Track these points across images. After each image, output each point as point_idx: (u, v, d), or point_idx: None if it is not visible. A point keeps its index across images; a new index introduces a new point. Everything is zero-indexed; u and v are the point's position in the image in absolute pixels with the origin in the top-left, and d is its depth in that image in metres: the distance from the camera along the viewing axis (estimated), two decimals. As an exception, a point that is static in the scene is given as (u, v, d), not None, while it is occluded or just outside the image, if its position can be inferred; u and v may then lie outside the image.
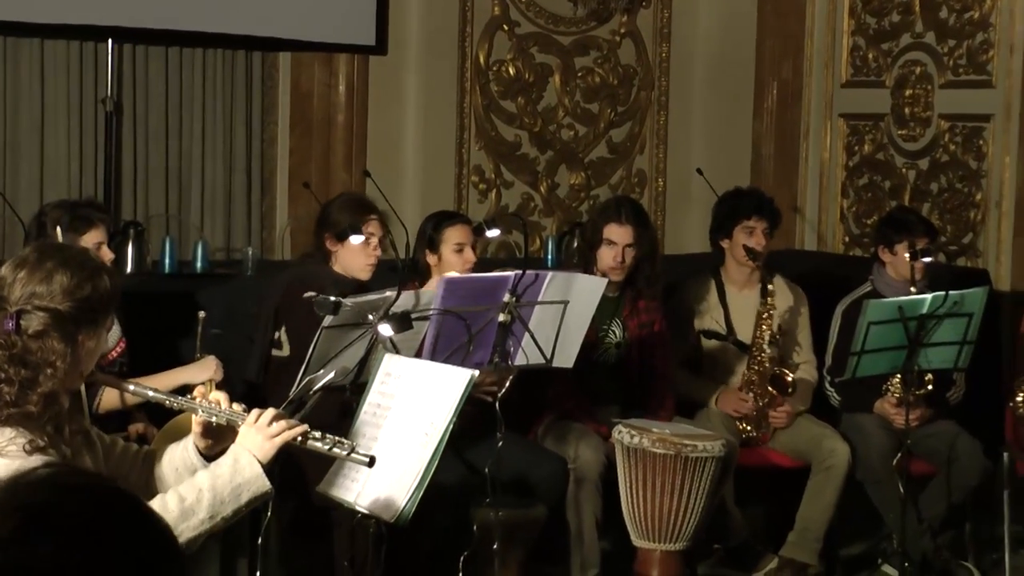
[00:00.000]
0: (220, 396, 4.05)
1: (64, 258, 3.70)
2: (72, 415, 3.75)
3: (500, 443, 6.01)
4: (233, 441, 3.81)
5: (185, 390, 5.85)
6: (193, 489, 3.64)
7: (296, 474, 5.31)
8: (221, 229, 9.51)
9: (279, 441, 3.73)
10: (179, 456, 3.93)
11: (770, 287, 7.25)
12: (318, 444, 3.84)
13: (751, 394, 7.21)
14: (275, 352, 6.32)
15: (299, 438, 3.81)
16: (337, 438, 3.89)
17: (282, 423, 3.77)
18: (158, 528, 1.88)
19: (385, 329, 5.41)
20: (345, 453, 3.87)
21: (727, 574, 7.17)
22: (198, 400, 3.97)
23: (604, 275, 6.99)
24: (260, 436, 3.72)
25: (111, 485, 1.95)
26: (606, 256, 7.04)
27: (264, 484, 3.73)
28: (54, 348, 3.57)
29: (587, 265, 7.11)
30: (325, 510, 4.91)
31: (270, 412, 3.80)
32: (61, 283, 3.61)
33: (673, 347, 7.33)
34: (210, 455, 3.85)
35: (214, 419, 3.87)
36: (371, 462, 4.04)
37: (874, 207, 9.94)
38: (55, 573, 1.75)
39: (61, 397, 3.63)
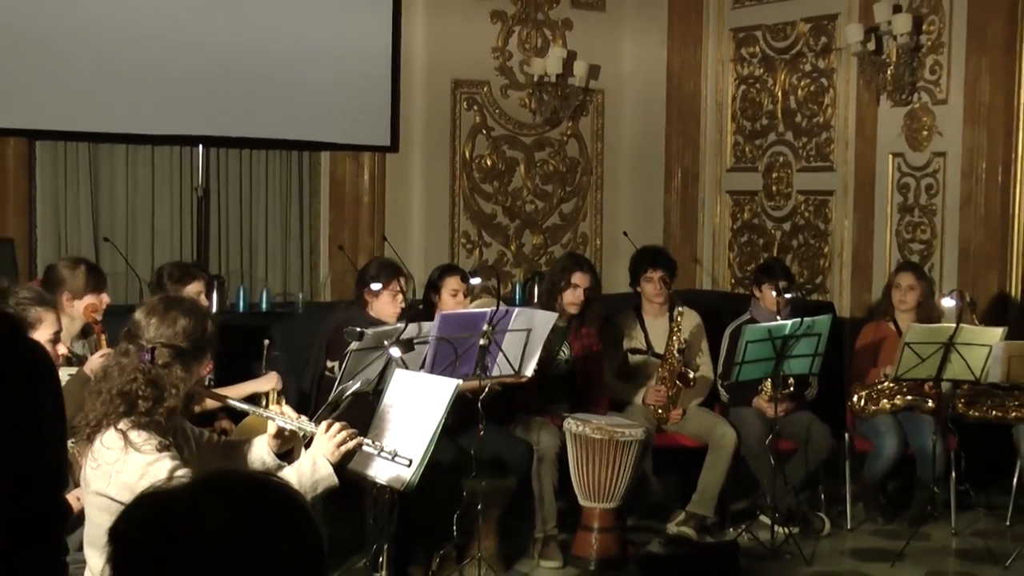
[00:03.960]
0: (289, 409, 4.10)
1: (184, 308, 3.76)
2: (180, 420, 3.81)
3: (482, 432, 6.05)
4: (296, 443, 3.84)
5: (255, 397, 5.94)
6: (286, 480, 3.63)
7: None
8: (280, 279, 9.50)
9: (344, 449, 3.74)
10: (256, 452, 3.94)
11: (679, 312, 7.27)
12: (370, 450, 3.89)
13: (663, 387, 7.22)
14: (328, 373, 6.23)
15: (358, 444, 3.83)
16: (382, 445, 3.93)
17: (344, 434, 3.78)
18: (312, 518, 1.76)
19: (395, 351, 5.37)
20: (390, 457, 3.91)
21: (648, 524, 7.12)
22: (275, 411, 4.01)
23: (565, 310, 7.08)
24: (331, 444, 3.72)
25: (274, 479, 1.87)
26: (570, 295, 7.07)
27: (334, 480, 3.74)
28: (178, 375, 3.63)
29: (550, 302, 7.17)
30: (355, 482, 4.97)
31: (337, 426, 3.80)
32: (183, 327, 3.67)
33: (607, 361, 7.37)
34: (279, 453, 3.87)
35: (287, 426, 3.89)
36: (409, 463, 4.10)
37: (751, 258, 9.96)
38: (228, 541, 1.64)
39: (178, 410, 3.68)
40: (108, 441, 3.53)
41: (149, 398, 3.57)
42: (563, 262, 7.43)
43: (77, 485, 3.87)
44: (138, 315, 3.75)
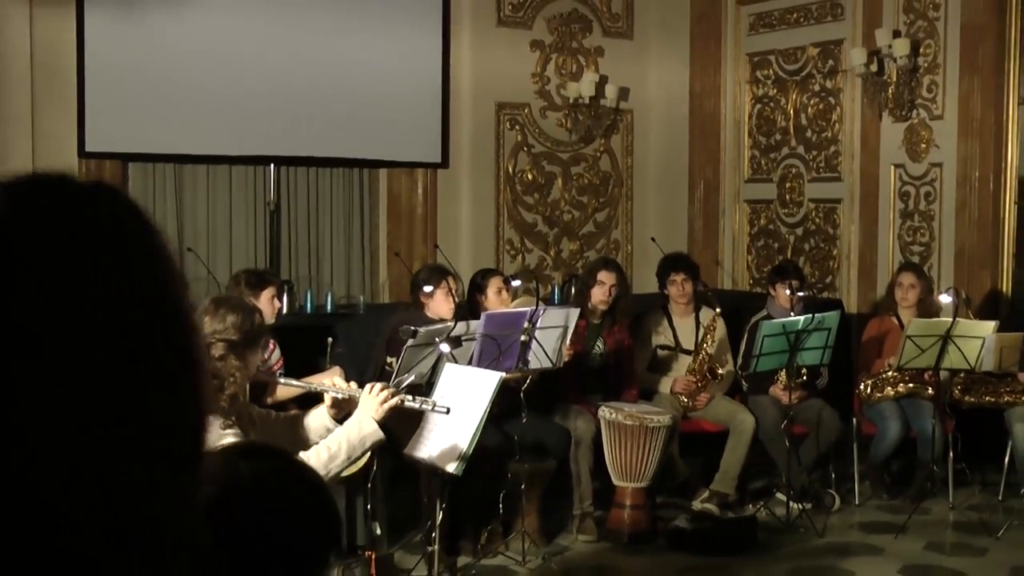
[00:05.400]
0: (340, 380, 4.13)
1: (231, 305, 3.80)
2: (245, 405, 3.84)
3: (524, 419, 6.12)
4: (350, 409, 3.84)
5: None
6: (335, 441, 3.66)
7: (392, 442, 5.34)
8: (343, 284, 9.52)
9: (387, 405, 3.73)
10: (315, 422, 3.95)
11: (713, 316, 7.28)
12: (413, 404, 3.88)
13: (693, 378, 7.21)
14: (387, 368, 6.16)
15: (399, 401, 3.83)
16: (423, 398, 3.94)
17: (386, 392, 3.78)
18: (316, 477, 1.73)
19: (445, 347, 5.44)
20: (430, 408, 3.92)
21: (675, 502, 7.10)
22: (328, 384, 4.03)
23: (596, 307, 7.09)
24: (375, 402, 3.72)
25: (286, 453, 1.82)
26: (597, 293, 7.09)
27: (379, 434, 3.74)
28: (233, 364, 3.65)
29: (580, 300, 7.18)
30: (411, 464, 4.99)
31: (379, 385, 3.83)
32: (232, 322, 3.70)
33: (637, 355, 7.39)
34: (338, 419, 3.88)
35: (339, 395, 3.91)
36: (448, 411, 4.11)
37: (767, 260, 9.90)
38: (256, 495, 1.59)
39: (240, 396, 3.70)
40: None
41: (209, 388, 3.59)
42: (591, 264, 7.45)
43: None
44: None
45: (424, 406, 3.89)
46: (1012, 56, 8.36)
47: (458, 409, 4.55)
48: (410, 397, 3.89)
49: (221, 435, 3.53)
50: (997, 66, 8.37)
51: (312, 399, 4.48)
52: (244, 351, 3.72)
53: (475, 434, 4.47)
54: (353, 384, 4.03)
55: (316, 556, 1.59)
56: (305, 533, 1.58)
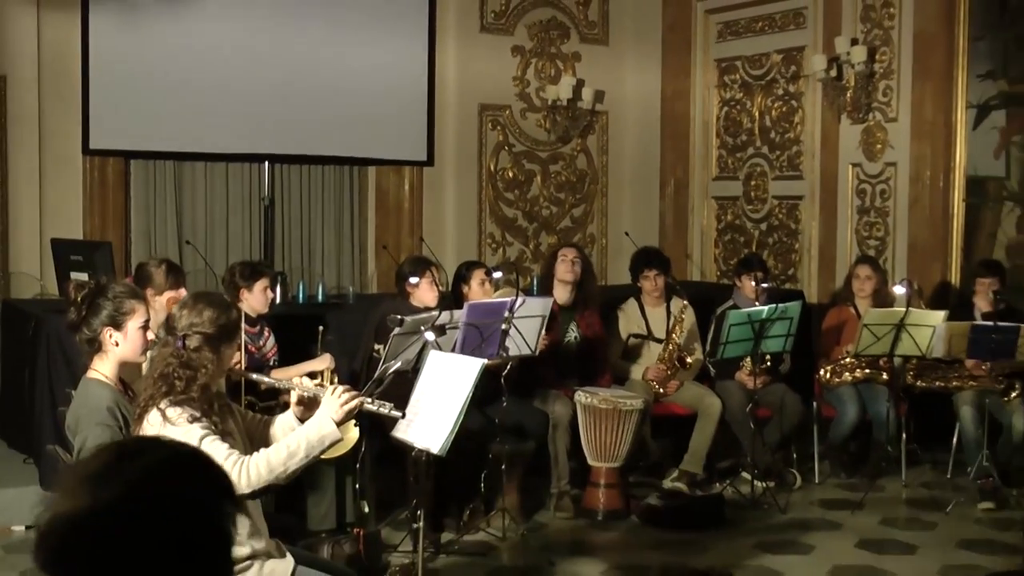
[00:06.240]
0: (307, 380, 4.03)
1: (208, 300, 3.71)
2: (220, 396, 3.77)
3: (505, 403, 6.11)
4: (316, 407, 3.74)
5: (312, 375, 5.89)
6: (295, 440, 3.57)
7: (380, 425, 5.28)
8: (334, 275, 9.50)
9: (347, 408, 3.64)
10: (283, 421, 3.87)
11: (682, 308, 7.26)
12: (372, 407, 3.78)
13: (663, 365, 7.20)
14: (375, 355, 6.12)
15: (359, 403, 3.71)
16: (381, 402, 3.87)
17: (347, 395, 3.66)
18: (212, 465, 1.62)
19: (430, 335, 5.38)
20: (386, 411, 3.85)
21: (647, 481, 7.11)
22: (295, 381, 3.95)
23: (563, 280, 7.06)
24: (336, 404, 3.64)
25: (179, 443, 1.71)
26: (561, 268, 7.08)
27: (337, 434, 3.63)
28: (207, 356, 3.59)
29: (549, 283, 7.15)
30: (398, 446, 4.96)
31: (340, 388, 3.71)
32: (208, 316, 3.61)
33: (611, 344, 7.34)
34: (303, 418, 3.77)
35: (305, 394, 3.83)
36: (403, 416, 4.02)
37: (733, 254, 9.90)
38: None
39: (212, 387, 3.63)
40: (151, 419, 3.52)
41: (183, 378, 3.53)
42: (553, 247, 7.41)
43: None
44: (174, 310, 3.74)
45: (381, 409, 3.81)
46: (960, 63, 8.39)
47: (442, 395, 4.54)
48: (369, 400, 3.81)
49: (188, 428, 3.49)
50: (947, 72, 8.40)
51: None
52: (219, 344, 3.65)
53: (458, 417, 4.43)
54: (317, 381, 3.97)
55: (216, 508, 1.57)
56: (204, 493, 1.57)
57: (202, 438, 3.47)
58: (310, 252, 9.56)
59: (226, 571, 1.61)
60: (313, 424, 3.65)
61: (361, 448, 5.68)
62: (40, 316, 6.67)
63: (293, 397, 3.87)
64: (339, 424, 3.66)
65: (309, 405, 3.83)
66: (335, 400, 3.68)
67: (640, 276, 7.48)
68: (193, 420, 3.51)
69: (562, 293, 7.06)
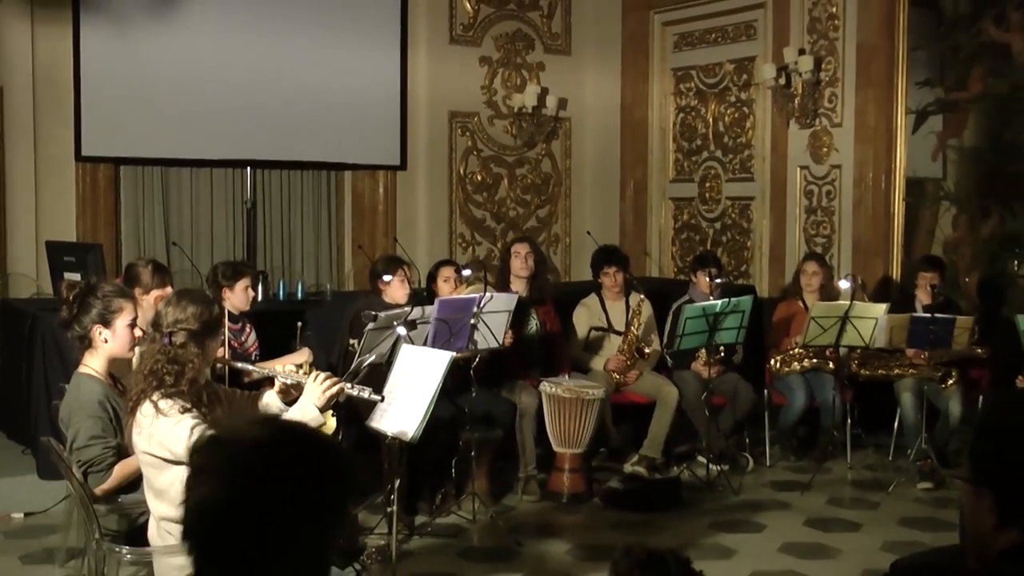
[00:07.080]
0: (292, 368, 4.07)
1: (192, 297, 3.68)
2: (208, 386, 3.75)
3: (474, 393, 6.08)
4: (298, 394, 3.74)
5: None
6: None
7: (356, 415, 5.31)
8: (312, 273, 9.48)
9: (328, 393, 3.64)
10: (268, 400, 3.84)
11: (640, 301, 7.22)
12: (352, 392, 3.78)
13: (623, 356, 7.18)
14: (350, 349, 6.08)
15: (340, 389, 3.72)
16: (361, 386, 3.87)
17: (328, 381, 3.67)
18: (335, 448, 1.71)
19: (402, 330, 5.36)
20: (367, 395, 3.85)
21: (609, 465, 7.09)
22: (279, 370, 3.94)
23: (518, 276, 7.04)
24: (318, 390, 3.64)
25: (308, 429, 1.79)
26: (516, 263, 7.06)
27: (320, 418, 3.64)
28: (192, 351, 3.56)
29: (505, 278, 7.12)
30: (373, 434, 4.96)
31: (323, 375, 3.71)
32: (192, 312, 3.58)
33: (572, 338, 7.29)
34: (288, 402, 3.78)
35: (288, 381, 3.83)
36: (383, 399, 4.05)
37: (689, 251, 9.90)
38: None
39: (199, 379, 3.62)
40: (144, 411, 3.51)
41: (171, 373, 3.53)
42: (508, 242, 7.38)
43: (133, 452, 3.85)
44: (160, 308, 3.71)
45: (362, 394, 3.81)
46: (900, 72, 8.44)
47: (413, 385, 4.53)
48: (349, 385, 3.81)
49: (180, 418, 3.48)
50: (888, 80, 8.46)
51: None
52: (203, 339, 3.63)
53: (429, 407, 4.44)
54: (301, 371, 3.95)
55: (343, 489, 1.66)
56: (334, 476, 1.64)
57: (193, 427, 3.46)
58: (290, 252, 9.53)
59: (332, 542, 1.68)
60: (297, 410, 3.65)
61: (339, 436, 5.64)
62: (36, 314, 6.62)
63: (277, 385, 3.86)
64: (321, 410, 3.65)
65: (291, 391, 3.82)
66: (317, 387, 3.68)
67: (601, 273, 7.46)
68: (184, 411, 3.50)
69: (519, 287, 7.04)
